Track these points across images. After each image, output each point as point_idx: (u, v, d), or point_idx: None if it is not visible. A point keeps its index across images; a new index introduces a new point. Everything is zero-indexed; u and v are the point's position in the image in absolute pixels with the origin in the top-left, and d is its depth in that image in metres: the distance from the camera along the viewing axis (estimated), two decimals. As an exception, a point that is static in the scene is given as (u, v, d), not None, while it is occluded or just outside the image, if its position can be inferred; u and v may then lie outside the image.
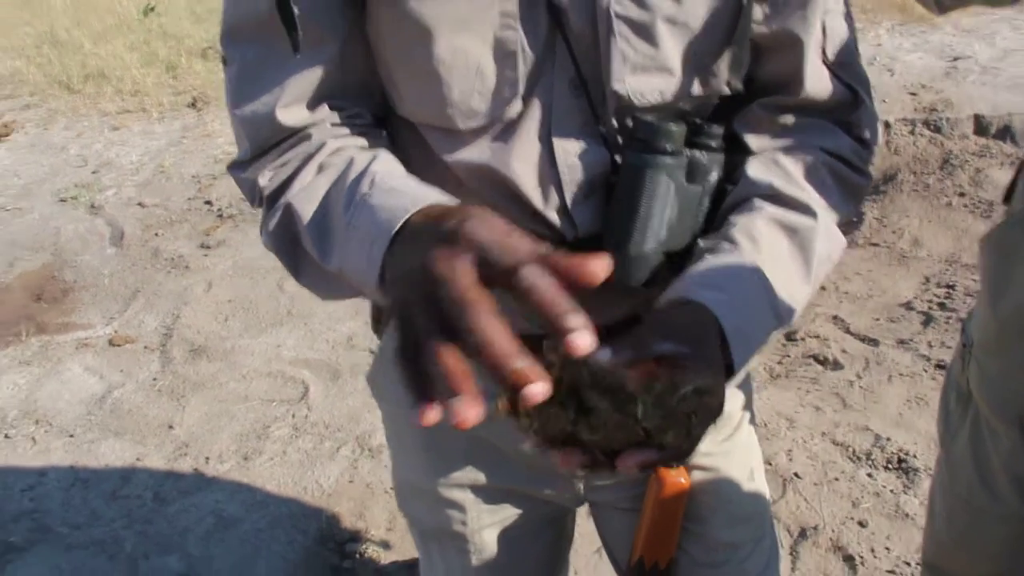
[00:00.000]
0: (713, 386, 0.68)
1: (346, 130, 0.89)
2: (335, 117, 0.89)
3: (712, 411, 0.69)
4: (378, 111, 0.94)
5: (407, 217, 0.67)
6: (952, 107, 4.10)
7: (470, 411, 0.53)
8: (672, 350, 0.70)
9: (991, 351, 1.27)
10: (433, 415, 0.54)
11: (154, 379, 3.10)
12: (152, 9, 7.63)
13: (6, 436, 2.84)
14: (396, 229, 0.67)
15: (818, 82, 0.90)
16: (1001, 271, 1.23)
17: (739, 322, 0.77)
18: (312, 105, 0.87)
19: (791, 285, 0.85)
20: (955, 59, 4.60)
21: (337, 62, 0.86)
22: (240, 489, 2.57)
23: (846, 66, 0.91)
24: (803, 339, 3.08)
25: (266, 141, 0.88)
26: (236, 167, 0.92)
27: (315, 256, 0.83)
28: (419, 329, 0.56)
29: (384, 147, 0.90)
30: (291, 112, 0.86)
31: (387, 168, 0.81)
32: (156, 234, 4.09)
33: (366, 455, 2.65)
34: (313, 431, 2.77)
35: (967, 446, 1.36)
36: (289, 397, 2.95)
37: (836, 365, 2.94)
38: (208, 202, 4.30)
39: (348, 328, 3.26)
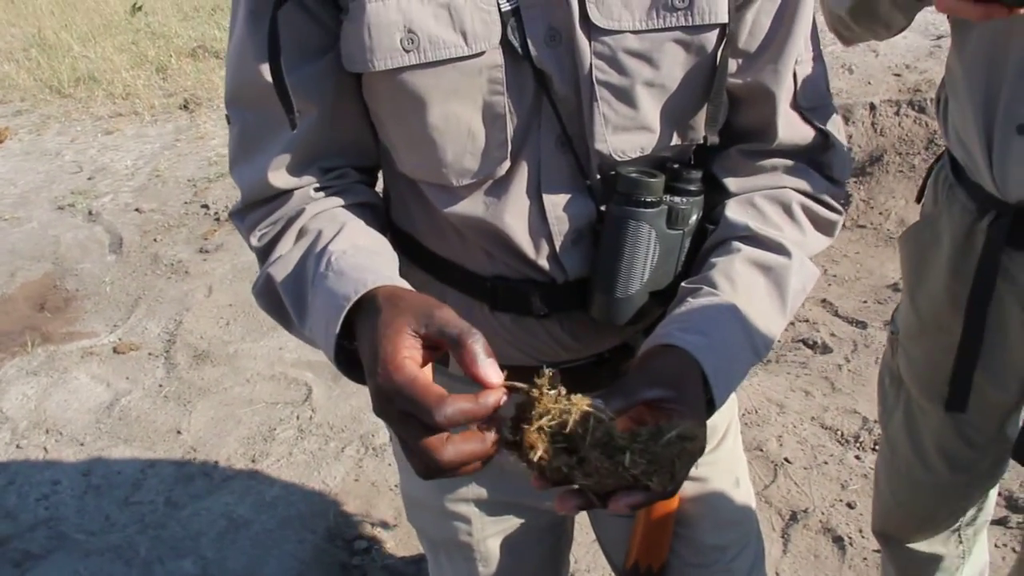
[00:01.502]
0: (694, 431, 0.75)
1: (329, 191, 0.97)
2: (321, 179, 0.97)
3: (693, 454, 0.76)
4: (369, 163, 1.02)
5: (347, 308, 0.79)
6: (936, 87, 4.15)
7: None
8: (658, 395, 0.78)
9: (913, 338, 1.44)
10: None
11: (160, 385, 3.17)
12: (139, 8, 7.65)
13: (18, 447, 2.91)
14: (339, 325, 0.80)
15: (790, 129, 0.96)
16: (916, 266, 1.38)
17: (718, 363, 0.84)
18: (300, 168, 0.95)
19: (767, 320, 0.92)
20: (939, 37, 4.63)
21: (326, 125, 0.94)
22: (249, 491, 2.64)
23: (817, 110, 0.97)
24: (793, 323, 3.15)
25: (258, 196, 0.97)
26: (235, 215, 1.01)
27: (295, 319, 0.91)
28: (409, 438, 0.71)
29: (366, 202, 0.99)
30: (280, 175, 0.94)
31: (343, 246, 0.89)
32: (155, 240, 4.14)
33: (371, 454, 2.73)
34: (318, 432, 2.85)
35: (902, 424, 1.52)
36: (293, 399, 3.02)
37: (825, 349, 3.01)
38: (205, 206, 4.36)
39: (348, 328, 3.32)
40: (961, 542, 1.65)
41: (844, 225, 3.60)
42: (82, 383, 3.21)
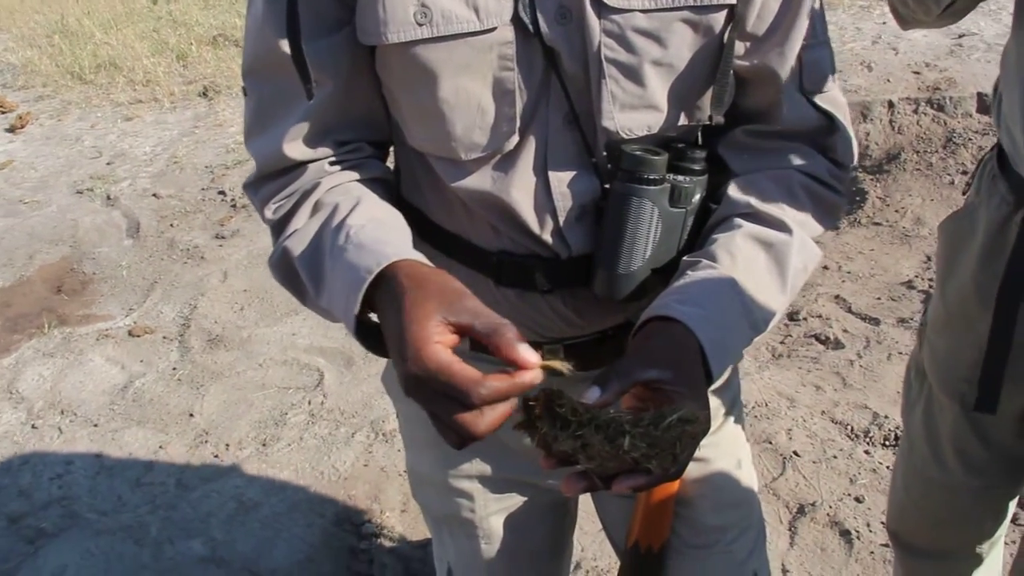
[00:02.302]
0: (695, 414, 0.76)
1: (343, 164, 0.98)
2: (335, 151, 0.98)
3: (695, 437, 0.77)
4: (382, 138, 1.02)
5: (369, 281, 0.80)
6: (956, 86, 4.12)
7: None
8: (656, 376, 0.79)
9: (939, 331, 1.40)
10: None
11: (174, 368, 3.19)
12: (161, -3, 7.69)
13: (33, 426, 2.94)
14: (360, 298, 0.80)
15: (795, 111, 0.97)
16: (949, 256, 1.35)
17: (716, 335, 0.85)
18: (315, 140, 0.96)
19: (767, 296, 0.93)
20: (960, 36, 4.60)
21: (341, 98, 0.94)
22: (259, 474, 2.66)
23: (823, 94, 0.98)
24: (805, 319, 3.15)
25: (272, 168, 0.98)
26: (249, 187, 1.02)
27: (310, 292, 0.93)
28: (443, 415, 0.73)
29: (379, 177, 1.00)
30: (296, 146, 0.95)
31: (361, 220, 0.90)
32: (171, 225, 4.17)
33: (380, 440, 2.74)
34: (329, 417, 2.86)
35: (921, 420, 1.48)
36: (305, 384, 3.04)
37: (837, 344, 3.00)
38: (222, 192, 4.38)
39: (361, 315, 3.33)
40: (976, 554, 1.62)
41: (860, 222, 3.64)
42: (97, 365, 3.24)
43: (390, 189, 1.03)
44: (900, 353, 2.89)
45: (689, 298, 0.88)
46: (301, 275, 0.93)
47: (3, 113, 5.66)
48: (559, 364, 0.74)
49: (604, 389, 0.77)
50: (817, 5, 0.97)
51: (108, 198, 4.47)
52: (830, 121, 0.99)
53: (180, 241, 4.02)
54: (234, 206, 4.27)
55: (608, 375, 0.78)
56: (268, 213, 0.98)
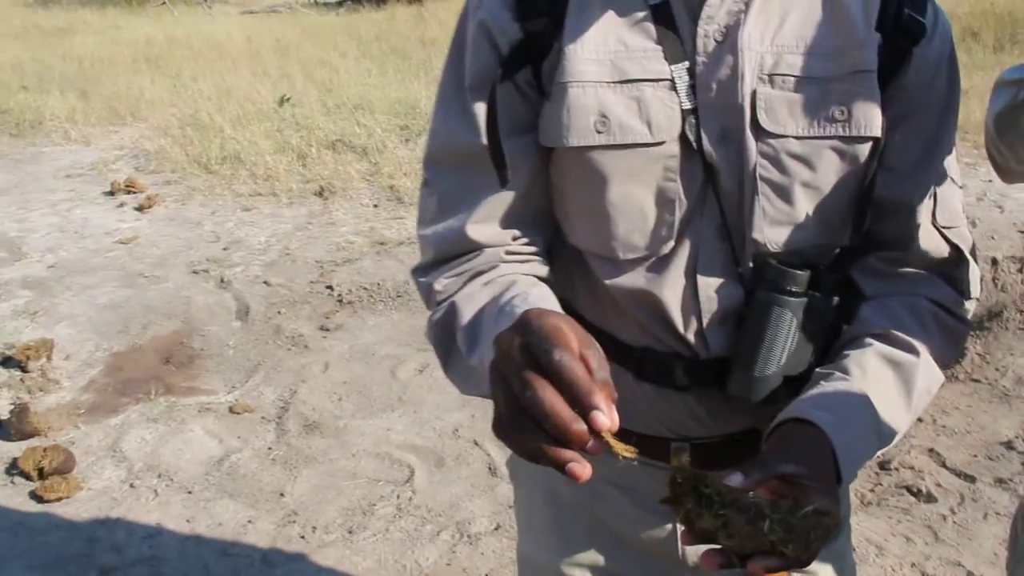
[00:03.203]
0: (829, 508, 0.81)
1: (518, 257, 1.07)
2: (513, 242, 1.07)
3: (828, 528, 0.81)
4: (548, 238, 1.11)
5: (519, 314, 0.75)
6: (1060, 248, 4.13)
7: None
8: (793, 470, 0.85)
9: None
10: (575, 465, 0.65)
11: (269, 448, 3.30)
12: (287, 100, 8.16)
13: (131, 485, 3.06)
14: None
15: (928, 241, 1.04)
16: None
17: (846, 440, 0.91)
18: (498, 226, 1.05)
19: (893, 411, 0.99)
20: (1068, 201, 4.62)
21: (523, 193, 1.05)
22: (343, 560, 2.71)
23: (953, 229, 1.05)
24: (897, 469, 3.11)
25: (450, 252, 1.07)
26: (418, 271, 1.11)
27: (462, 351, 0.99)
28: (513, 378, 0.66)
29: (545, 278, 1.08)
30: (480, 229, 1.05)
31: (540, 292, 0.97)
32: (279, 312, 4.35)
33: (464, 541, 2.77)
34: (416, 513, 2.91)
35: None
36: (395, 479, 3.10)
37: (929, 498, 2.95)
38: (329, 287, 4.56)
39: (455, 419, 3.42)
40: None
41: (958, 377, 3.61)
42: (197, 435, 3.37)
43: (552, 291, 1.11)
44: (997, 514, 2.82)
45: (823, 405, 0.94)
46: (458, 335, 0.99)
47: (134, 193, 6.03)
48: (622, 447, 0.68)
49: (747, 476, 0.82)
50: (950, 147, 1.05)
51: (221, 280, 4.70)
52: (959, 253, 1.05)
53: (286, 328, 4.19)
54: (340, 301, 4.44)
55: (751, 464, 0.84)
56: (438, 287, 1.05)
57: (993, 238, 4.22)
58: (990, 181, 4.82)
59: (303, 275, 4.75)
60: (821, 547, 0.81)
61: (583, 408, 0.64)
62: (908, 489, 3.01)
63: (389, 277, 4.63)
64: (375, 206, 5.71)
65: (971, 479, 3.03)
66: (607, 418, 0.63)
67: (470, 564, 2.68)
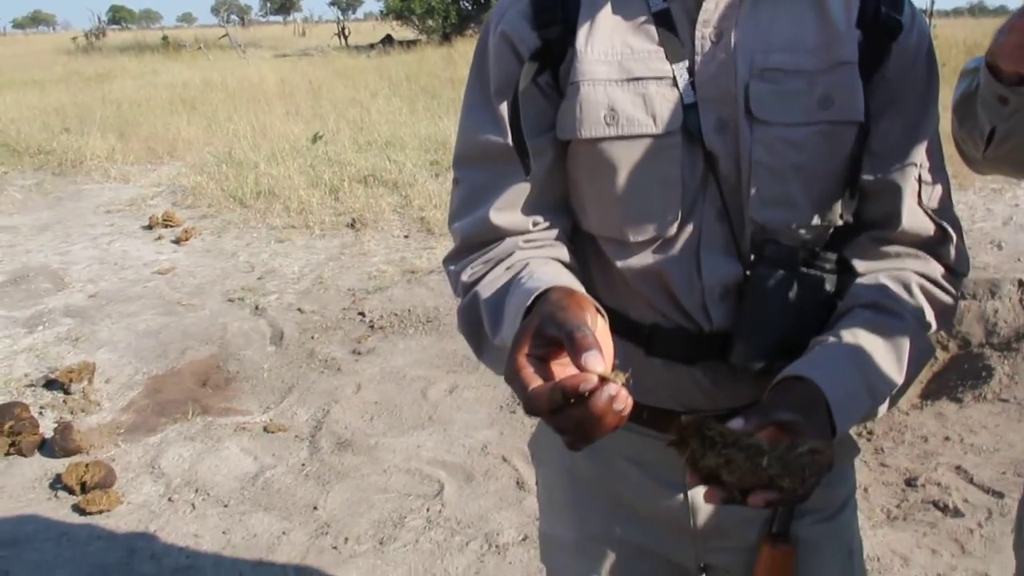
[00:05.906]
0: (823, 447, 0.87)
1: (535, 243, 1.16)
2: (533, 228, 1.16)
3: (822, 466, 0.88)
4: (568, 226, 1.20)
5: (533, 296, 0.93)
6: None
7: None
8: (790, 418, 0.92)
9: None
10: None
11: (302, 465, 3.37)
12: (320, 137, 8.36)
13: (169, 499, 3.14)
14: (527, 303, 0.93)
15: (914, 221, 1.12)
16: None
17: (838, 394, 0.98)
18: (519, 212, 1.14)
19: (884, 371, 1.06)
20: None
21: (542, 181, 1.14)
22: (374, 570, 2.77)
23: (939, 210, 1.14)
24: (923, 485, 3.12)
25: (475, 239, 1.16)
26: (448, 260, 1.21)
27: (488, 333, 1.08)
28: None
29: (564, 260, 1.16)
30: (502, 215, 1.14)
31: (545, 266, 1.07)
32: (312, 337, 4.45)
33: (493, 551, 2.82)
34: (445, 525, 2.97)
35: None
36: (425, 493, 3.16)
37: (957, 513, 2.96)
38: (361, 313, 4.66)
39: (484, 436, 3.49)
40: None
41: (985, 397, 3.63)
42: (232, 453, 3.45)
43: (571, 271, 1.20)
44: (1024, 527, 2.82)
45: (817, 364, 1.01)
46: (483, 318, 1.08)
47: (171, 227, 6.21)
48: (615, 375, 0.81)
49: (747, 421, 0.89)
50: (930, 135, 1.13)
51: (256, 308, 4.81)
52: (943, 232, 1.13)
53: (319, 352, 4.28)
54: (372, 327, 4.53)
55: (751, 411, 0.91)
56: (464, 276, 1.15)
57: (1019, 260, 4.24)
58: (1016, 205, 4.86)
59: (336, 302, 4.85)
60: (816, 483, 0.88)
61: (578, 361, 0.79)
62: (935, 504, 3.03)
63: (419, 304, 4.73)
64: (406, 237, 5.83)
65: (999, 495, 3.03)
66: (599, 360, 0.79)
67: (498, 574, 2.72)
